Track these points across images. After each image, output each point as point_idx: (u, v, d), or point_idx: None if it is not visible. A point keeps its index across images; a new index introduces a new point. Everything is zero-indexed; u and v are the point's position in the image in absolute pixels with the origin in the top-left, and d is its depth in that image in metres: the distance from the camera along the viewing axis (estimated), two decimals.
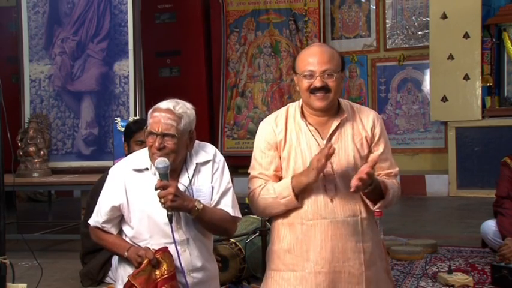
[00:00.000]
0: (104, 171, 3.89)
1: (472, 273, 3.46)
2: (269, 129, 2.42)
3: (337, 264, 2.31)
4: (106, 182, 2.48)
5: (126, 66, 5.30)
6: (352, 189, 2.19)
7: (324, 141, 2.36)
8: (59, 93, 5.52)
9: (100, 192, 2.46)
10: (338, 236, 2.31)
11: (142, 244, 2.37)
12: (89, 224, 2.52)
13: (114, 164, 4.73)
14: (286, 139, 2.39)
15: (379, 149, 2.42)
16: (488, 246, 3.88)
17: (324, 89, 2.29)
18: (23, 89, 5.54)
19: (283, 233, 2.39)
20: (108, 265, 3.49)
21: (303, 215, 2.34)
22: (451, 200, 6.62)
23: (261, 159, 2.42)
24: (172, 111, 2.35)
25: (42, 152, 5.24)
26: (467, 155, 6.78)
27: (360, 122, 2.42)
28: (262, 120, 2.53)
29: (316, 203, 2.33)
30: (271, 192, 2.35)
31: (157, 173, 2.34)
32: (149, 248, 2.32)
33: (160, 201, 2.25)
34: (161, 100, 2.41)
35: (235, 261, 3.30)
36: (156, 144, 2.31)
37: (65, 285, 3.69)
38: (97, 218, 2.45)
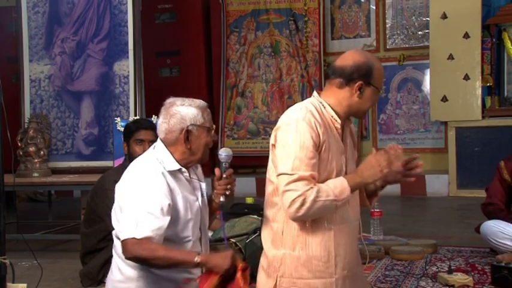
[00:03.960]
0: (104, 171, 3.89)
1: (472, 273, 3.46)
2: (314, 128, 2.18)
3: (356, 268, 2.31)
4: (143, 187, 2.29)
5: (126, 66, 5.30)
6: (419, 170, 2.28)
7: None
8: (59, 93, 5.51)
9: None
10: (354, 239, 2.31)
11: (183, 244, 2.34)
12: (137, 240, 2.22)
13: (114, 164, 4.73)
14: (325, 140, 2.21)
15: None
16: (489, 246, 3.90)
17: None
18: (23, 89, 5.54)
19: (309, 239, 2.22)
20: (108, 265, 3.48)
21: (330, 220, 2.21)
22: (451, 200, 6.62)
23: (309, 160, 2.16)
24: None
25: (42, 152, 5.24)
26: (467, 155, 6.78)
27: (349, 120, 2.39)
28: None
29: (341, 206, 2.20)
30: (330, 193, 2.13)
31: (186, 174, 2.39)
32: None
33: (226, 189, 2.38)
34: (163, 100, 2.41)
35: None
36: (216, 138, 2.45)
37: (65, 285, 3.69)
38: (158, 222, 2.22)
